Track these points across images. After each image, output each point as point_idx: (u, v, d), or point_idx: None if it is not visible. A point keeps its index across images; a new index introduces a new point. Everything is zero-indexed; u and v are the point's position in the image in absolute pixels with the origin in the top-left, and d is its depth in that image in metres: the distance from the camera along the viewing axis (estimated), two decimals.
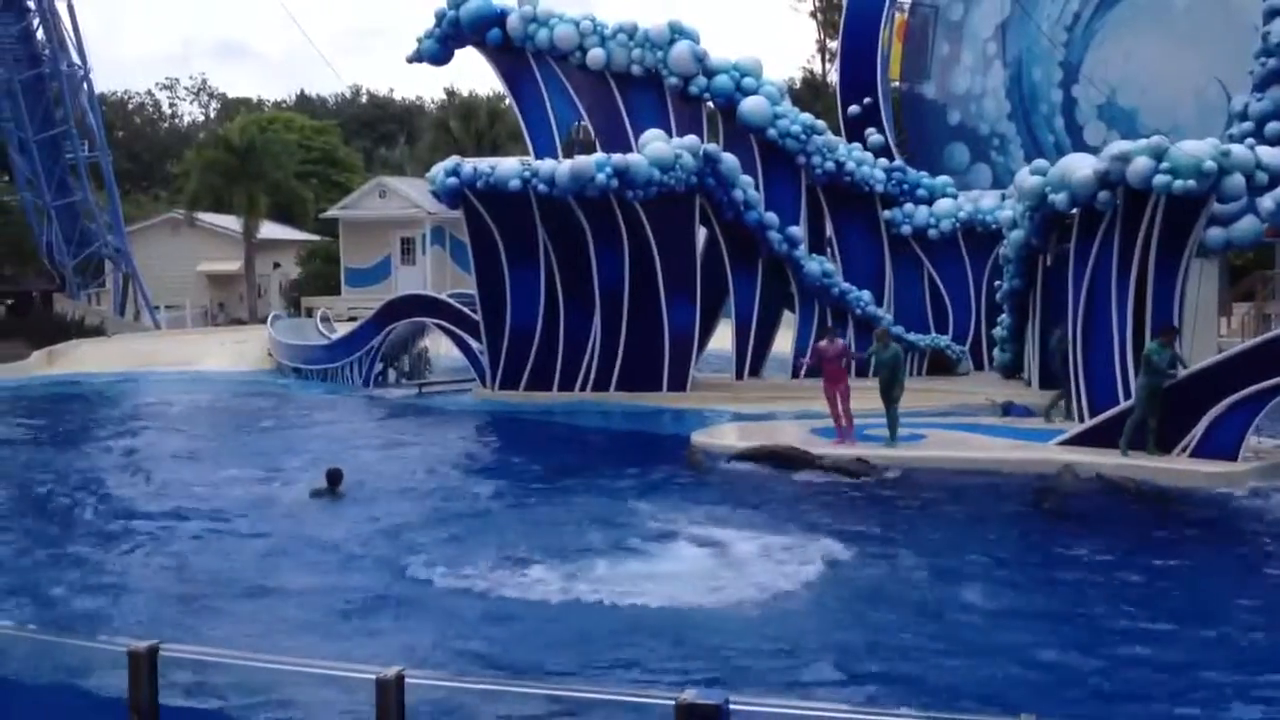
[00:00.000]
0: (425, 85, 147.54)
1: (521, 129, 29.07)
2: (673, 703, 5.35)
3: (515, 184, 24.63)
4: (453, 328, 27.41)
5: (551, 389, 25.39)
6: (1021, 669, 9.21)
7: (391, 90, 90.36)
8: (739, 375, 26.61)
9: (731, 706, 5.38)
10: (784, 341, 27.19)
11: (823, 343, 19.86)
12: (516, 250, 25.32)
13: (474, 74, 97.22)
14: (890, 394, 18.65)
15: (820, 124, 27.31)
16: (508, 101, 32.30)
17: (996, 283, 25.41)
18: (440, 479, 17.49)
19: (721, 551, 12.53)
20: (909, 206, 27.19)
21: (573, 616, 10.44)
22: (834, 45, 43.25)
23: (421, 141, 60.73)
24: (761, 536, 13.00)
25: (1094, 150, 21.13)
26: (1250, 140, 20.58)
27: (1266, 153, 19.55)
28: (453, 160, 25.87)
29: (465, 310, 26.89)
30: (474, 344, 26.66)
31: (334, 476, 15.94)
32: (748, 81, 27.14)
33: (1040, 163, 22.40)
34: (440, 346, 29.67)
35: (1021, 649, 9.66)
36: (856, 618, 10.51)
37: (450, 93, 67.69)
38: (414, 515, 14.75)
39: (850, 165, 27.03)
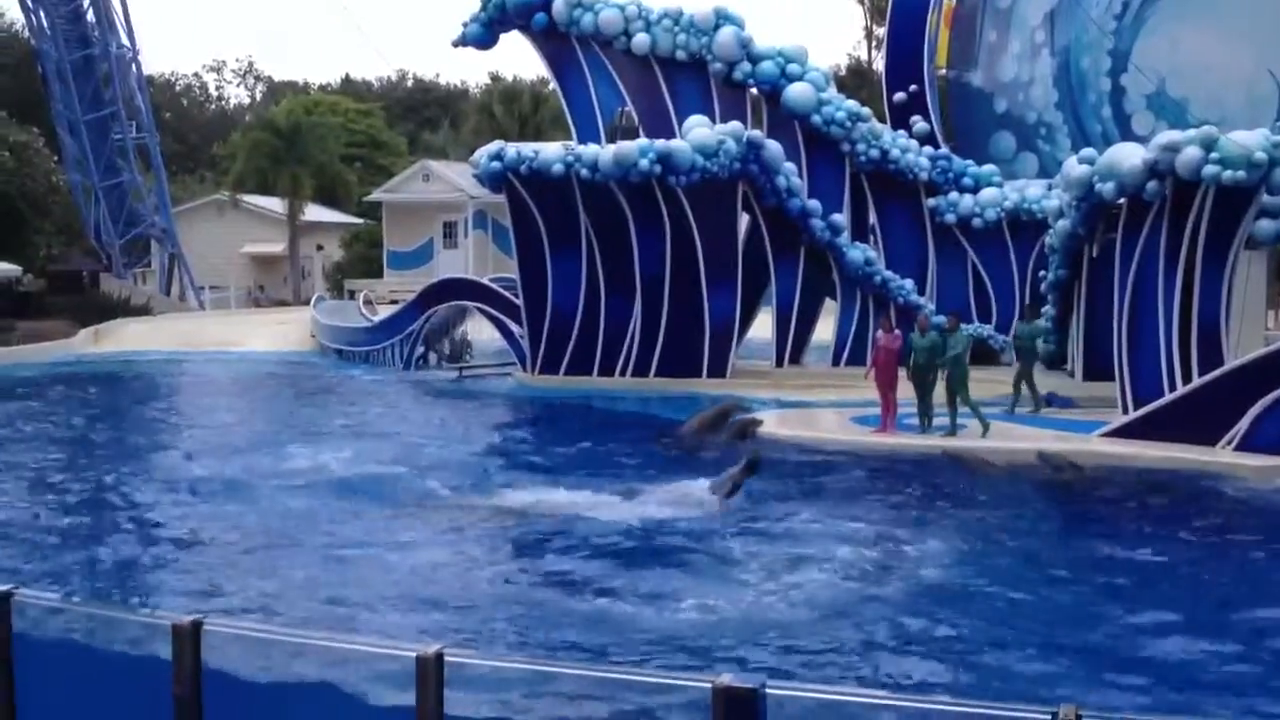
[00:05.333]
0: (470, 69, 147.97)
1: (565, 114, 29.08)
2: (709, 686, 5.34)
3: (558, 169, 24.66)
4: (494, 312, 27.50)
5: (591, 374, 25.43)
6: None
7: (437, 75, 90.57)
8: (779, 363, 26.55)
9: (767, 692, 5.35)
10: (825, 329, 27.09)
11: (880, 334, 19.76)
12: (558, 235, 25.36)
13: (518, 58, 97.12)
14: (926, 382, 18.57)
15: (865, 111, 27.16)
16: (552, 86, 32.39)
17: (1041, 273, 25.19)
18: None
19: None
20: (953, 195, 26.98)
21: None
22: (880, 32, 42.99)
23: (465, 126, 60.80)
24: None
25: (1142, 140, 20.88)
26: None
27: None
28: (496, 144, 25.93)
29: (507, 294, 26.97)
30: (515, 328, 26.75)
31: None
32: (793, 68, 27.03)
33: (1088, 152, 22.15)
34: (482, 331, 29.78)
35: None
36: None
37: (495, 77, 67.73)
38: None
39: (894, 153, 26.87)
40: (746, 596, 10.38)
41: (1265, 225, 20.86)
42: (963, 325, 20.34)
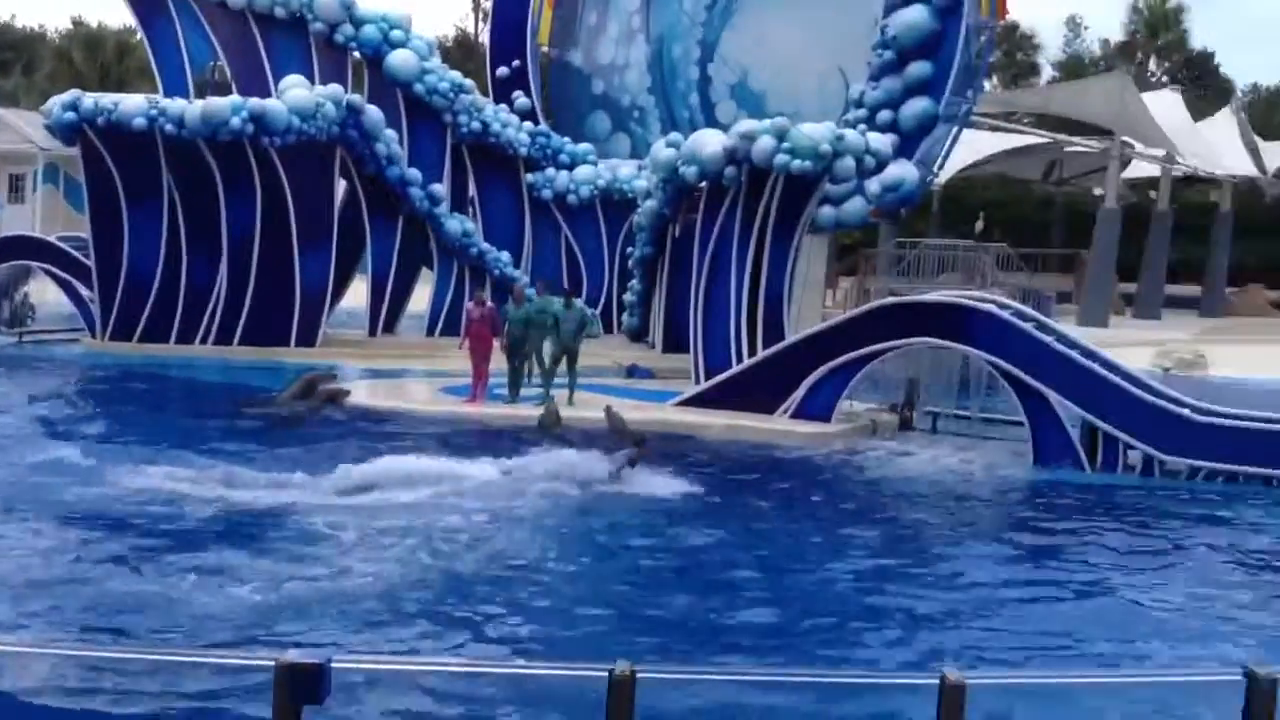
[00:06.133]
0: (50, 12, 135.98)
1: (151, 65, 27.44)
2: (273, 663, 5.20)
3: (140, 122, 23.20)
4: (60, 273, 25.49)
5: (169, 341, 24.14)
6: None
7: (13, 16, 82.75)
8: (372, 332, 26.24)
9: (334, 665, 5.29)
10: (420, 299, 27.02)
11: (471, 305, 19.83)
12: (137, 193, 23.86)
13: (105, 3, 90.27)
14: (520, 353, 18.91)
15: (469, 83, 27.26)
16: (139, 36, 30.37)
17: (629, 250, 26.24)
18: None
19: None
20: (550, 171, 27.62)
21: None
22: (487, 5, 43.14)
23: (40, 72, 56.14)
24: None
25: (725, 128, 22.09)
26: (862, 127, 22.16)
27: (876, 139, 21.11)
28: (72, 94, 24.08)
29: (76, 254, 25.09)
30: (85, 291, 24.95)
31: None
32: (396, 34, 26.72)
33: (674, 136, 23.26)
34: (47, 293, 27.51)
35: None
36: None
37: (77, 22, 62.80)
38: None
39: (496, 126, 27.17)
40: (321, 573, 10.19)
41: (827, 212, 22.65)
42: (576, 301, 20.95)
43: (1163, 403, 16.06)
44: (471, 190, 27.56)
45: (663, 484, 13.84)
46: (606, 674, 5.13)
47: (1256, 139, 45.74)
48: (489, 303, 19.70)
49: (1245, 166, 44.40)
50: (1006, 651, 9.06)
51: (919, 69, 23.80)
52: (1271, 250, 52.36)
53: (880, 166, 21.80)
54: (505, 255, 26.63)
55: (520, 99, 28.30)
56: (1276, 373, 25.99)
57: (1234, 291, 45.45)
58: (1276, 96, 65.42)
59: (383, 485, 13.03)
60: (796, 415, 17.81)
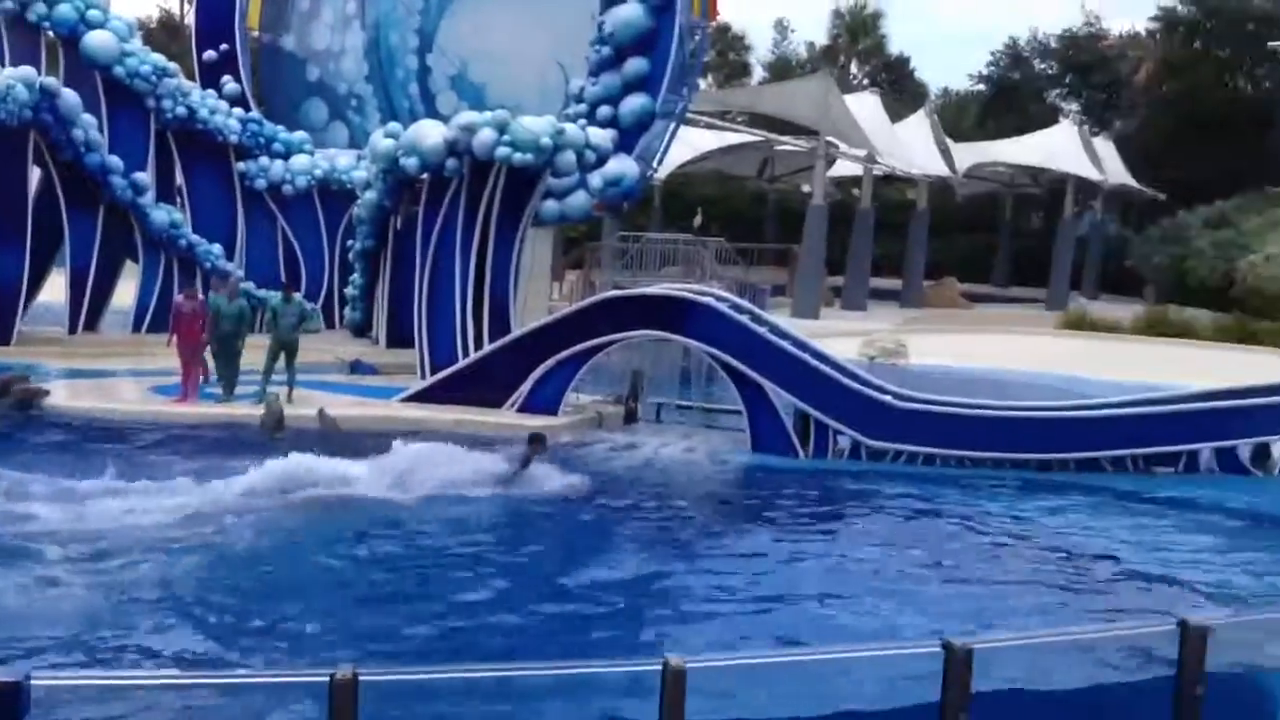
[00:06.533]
0: None
1: None
2: None
3: None
4: None
5: None
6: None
7: None
8: (73, 329, 24.69)
9: (33, 683, 4.95)
10: (126, 294, 25.64)
11: (180, 298, 18.91)
12: None
13: None
14: (233, 349, 18.23)
15: (173, 67, 25.99)
16: None
17: (350, 242, 25.68)
18: None
19: None
20: (264, 160, 26.70)
21: None
22: None
23: None
24: None
25: (446, 119, 21.87)
26: (582, 121, 22.39)
27: (596, 134, 21.42)
28: None
29: None
30: None
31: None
32: (93, 14, 25.16)
33: (393, 126, 22.85)
34: None
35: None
36: None
37: None
38: None
39: (204, 112, 26.03)
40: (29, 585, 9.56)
41: (551, 205, 22.72)
42: (272, 294, 20.32)
43: (867, 391, 16.96)
44: (179, 179, 26.29)
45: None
46: (328, 679, 5.01)
47: (947, 140, 48.84)
48: (200, 296, 18.89)
49: (938, 166, 47.34)
50: (728, 626, 9.40)
51: (636, 65, 24.21)
52: (963, 245, 56.20)
53: (601, 161, 22.10)
54: (217, 247, 25.55)
55: (229, 84, 27.20)
56: (969, 360, 27.84)
57: (930, 284, 48.38)
58: (965, 100, 70.04)
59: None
60: (524, 409, 17.87)
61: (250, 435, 16.13)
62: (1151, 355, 27.35)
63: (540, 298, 24.87)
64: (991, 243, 56.32)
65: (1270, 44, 37.65)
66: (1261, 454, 17.08)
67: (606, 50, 24.54)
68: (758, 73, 73.55)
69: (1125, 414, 16.98)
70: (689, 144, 43.05)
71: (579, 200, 23.41)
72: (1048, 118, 59.30)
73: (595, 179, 23.16)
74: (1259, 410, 16.88)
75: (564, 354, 17.76)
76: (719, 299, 18.14)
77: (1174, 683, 6.03)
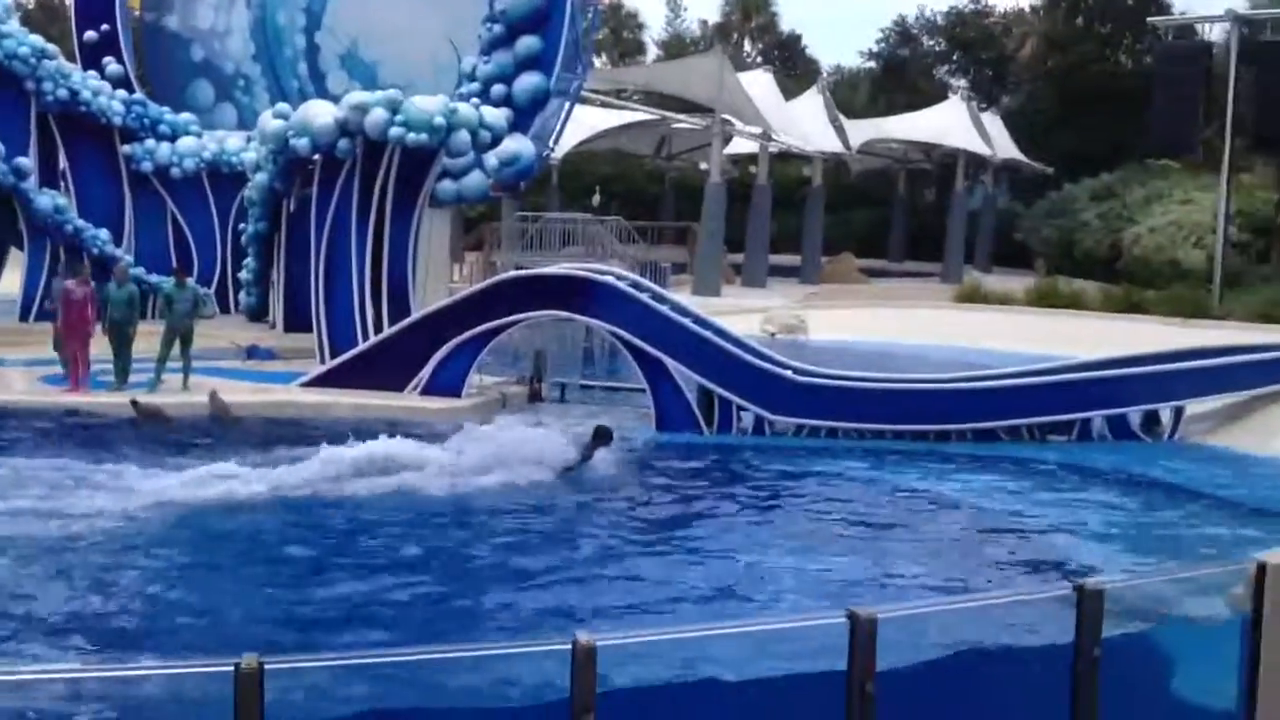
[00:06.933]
0: None
1: None
2: None
3: None
4: None
5: None
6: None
7: None
8: None
9: None
10: (10, 282, 24.85)
11: (70, 283, 18.33)
12: None
13: None
14: (124, 335, 17.77)
15: (52, 48, 25.29)
16: None
17: (242, 225, 25.18)
18: None
19: None
20: (150, 143, 26.08)
21: None
22: None
23: None
24: None
25: (337, 99, 21.50)
26: (476, 100, 22.16)
27: (490, 113, 21.19)
28: None
29: None
30: None
31: None
32: None
33: (283, 107, 22.45)
34: None
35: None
36: None
37: None
38: None
39: (86, 95, 25.31)
40: None
41: (447, 186, 22.55)
42: (165, 279, 19.86)
43: (769, 367, 17.09)
44: (63, 163, 25.55)
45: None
46: (233, 668, 4.90)
47: (841, 117, 49.32)
48: (92, 282, 18.37)
49: (832, 143, 47.79)
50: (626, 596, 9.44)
51: (529, 44, 24.03)
52: (859, 221, 56.88)
53: (496, 140, 21.92)
54: (104, 233, 24.84)
55: (112, 65, 26.45)
56: (867, 334, 28.21)
57: (828, 260, 48.89)
58: (857, 78, 70.80)
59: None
60: (427, 391, 17.70)
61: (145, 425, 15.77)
62: (1044, 326, 27.91)
63: (440, 280, 24.64)
64: (887, 218, 57.10)
65: (1149, 19, 38.61)
66: (1151, 420, 17.60)
67: (498, 28, 24.33)
68: (652, 51, 73.61)
69: (1020, 384, 17.37)
70: (585, 123, 42.96)
71: (476, 180, 23.25)
72: (937, 94, 60.20)
73: (491, 159, 23.01)
74: (1148, 378, 17.39)
75: (466, 335, 17.62)
76: (620, 278, 18.13)
77: (1072, 645, 6.17)
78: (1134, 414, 17.36)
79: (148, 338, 18.21)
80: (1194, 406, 17.70)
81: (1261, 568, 6.47)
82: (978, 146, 50.72)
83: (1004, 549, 11.68)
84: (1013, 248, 49.43)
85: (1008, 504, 13.46)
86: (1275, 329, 25.13)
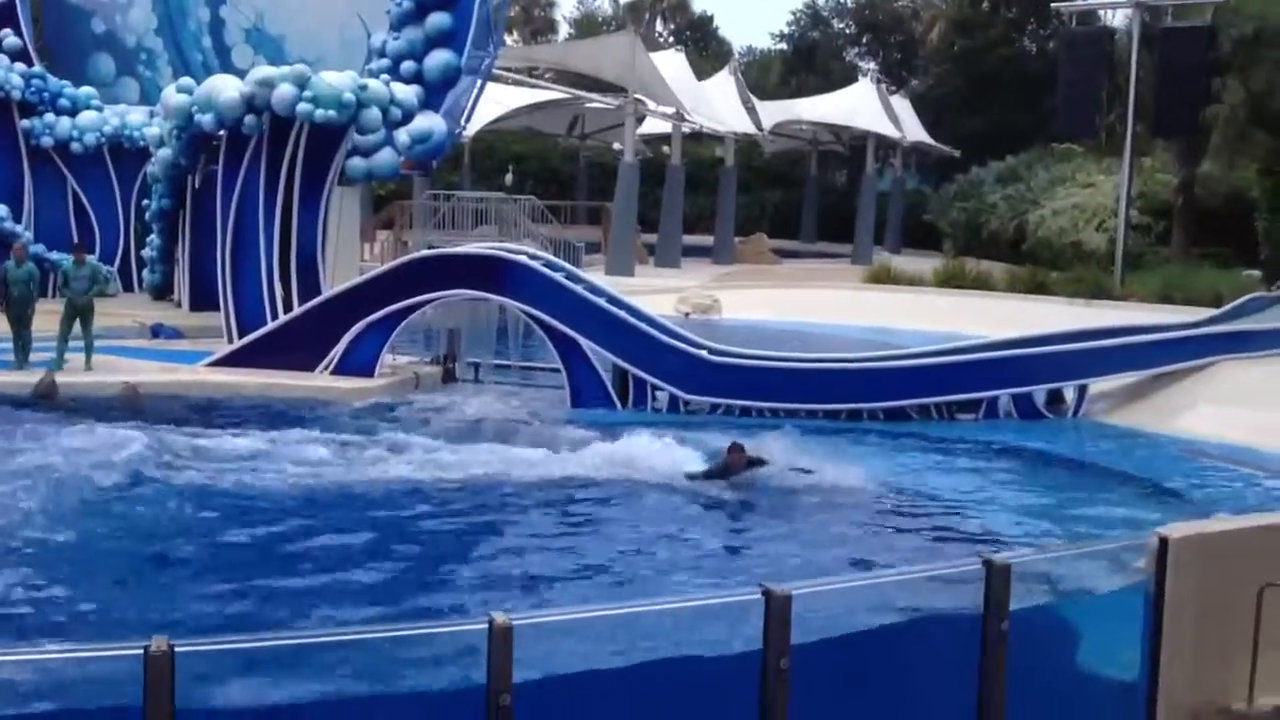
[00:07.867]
0: None
1: None
2: None
3: None
4: None
5: None
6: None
7: None
8: None
9: None
10: None
11: None
12: None
13: None
14: (23, 314, 17.31)
15: None
16: None
17: (146, 202, 24.64)
18: None
19: None
20: (50, 117, 25.38)
21: None
22: None
23: None
24: None
25: (242, 73, 21.10)
26: (386, 77, 21.87)
27: (401, 89, 20.97)
28: None
29: None
30: None
31: None
32: None
33: (186, 81, 21.98)
34: None
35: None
36: None
37: None
38: None
39: None
40: None
41: (357, 163, 22.22)
42: (65, 256, 19.33)
43: (683, 346, 17.15)
44: None
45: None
46: (142, 651, 4.81)
47: (753, 98, 49.51)
48: None
49: (745, 124, 47.93)
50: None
51: (438, 20, 23.79)
52: (771, 202, 57.23)
53: (407, 118, 21.70)
54: (3, 209, 24.12)
55: (9, 38, 25.65)
56: (780, 314, 28.40)
57: (741, 240, 49.11)
58: (768, 59, 71.16)
59: None
60: (339, 371, 17.50)
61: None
62: (952, 306, 28.32)
63: (351, 258, 24.29)
64: (798, 199, 57.48)
65: (1053, 3, 39.29)
66: (1056, 398, 17.97)
67: (408, 4, 24.09)
68: (564, 29, 73.27)
69: (929, 364, 17.63)
70: (497, 101, 42.54)
71: (386, 158, 22.94)
72: (848, 76, 60.70)
73: (402, 136, 22.75)
74: (1052, 357, 17.75)
75: (378, 315, 17.44)
76: (534, 258, 18.05)
77: (980, 618, 6.28)
78: (1039, 392, 17.71)
79: (48, 316, 17.75)
80: (1097, 385, 18.10)
81: (1163, 541, 6.64)
82: (887, 129, 51.23)
83: (914, 523, 11.86)
84: (922, 229, 50.08)
85: (917, 480, 13.66)
86: (1175, 309, 25.82)
